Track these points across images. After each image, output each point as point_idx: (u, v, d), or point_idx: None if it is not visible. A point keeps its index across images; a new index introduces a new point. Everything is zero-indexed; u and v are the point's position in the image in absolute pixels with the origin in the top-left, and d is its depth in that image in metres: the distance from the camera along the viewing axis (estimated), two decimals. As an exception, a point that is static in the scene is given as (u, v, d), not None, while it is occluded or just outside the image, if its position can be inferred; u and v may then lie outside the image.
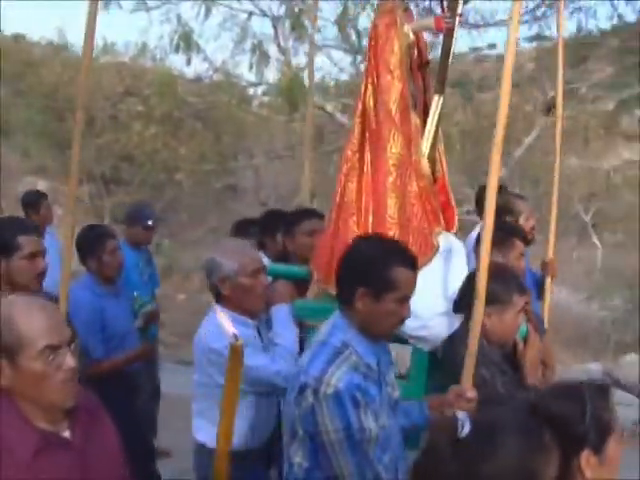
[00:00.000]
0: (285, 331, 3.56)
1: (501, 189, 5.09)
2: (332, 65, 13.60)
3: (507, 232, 4.31)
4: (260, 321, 3.60)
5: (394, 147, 3.96)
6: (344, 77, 14.29)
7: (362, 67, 13.12)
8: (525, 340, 3.92)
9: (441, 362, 3.65)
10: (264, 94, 15.39)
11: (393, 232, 3.89)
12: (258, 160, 16.29)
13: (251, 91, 14.87)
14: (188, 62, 12.82)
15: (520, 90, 13.75)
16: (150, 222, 6.33)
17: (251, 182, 17.88)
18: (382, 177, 4.00)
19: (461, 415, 1.93)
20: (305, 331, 3.70)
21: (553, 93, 11.93)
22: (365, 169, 4.04)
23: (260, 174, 17.43)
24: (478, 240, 4.14)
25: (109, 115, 15.46)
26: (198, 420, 3.54)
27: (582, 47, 12.36)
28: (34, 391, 2.20)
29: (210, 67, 13.29)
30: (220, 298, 3.45)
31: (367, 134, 4.03)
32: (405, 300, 2.77)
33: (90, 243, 4.75)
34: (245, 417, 3.37)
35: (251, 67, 12.80)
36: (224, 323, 2.41)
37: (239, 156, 17.11)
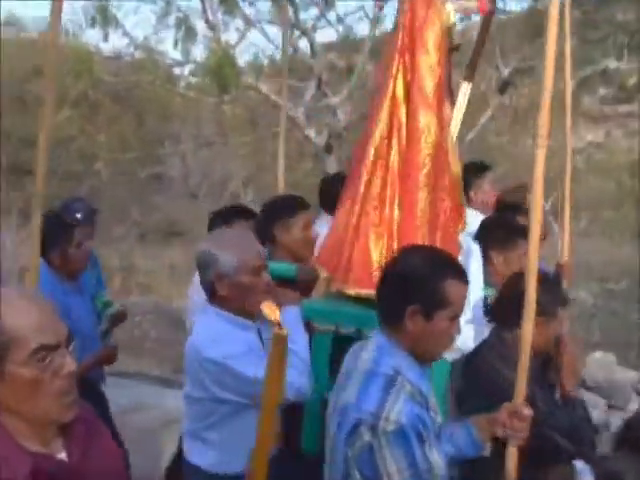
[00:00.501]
0: (296, 336, 3.23)
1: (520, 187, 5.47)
2: (267, 42, 13.48)
3: (509, 231, 4.38)
4: (261, 322, 3.22)
5: (429, 137, 3.82)
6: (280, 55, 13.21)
7: (300, 44, 12.87)
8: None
9: (463, 372, 3.56)
10: (191, 74, 14.51)
11: (423, 230, 3.79)
12: (186, 146, 15.42)
13: (177, 70, 13.91)
14: (105, 38, 11.99)
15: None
16: (79, 216, 5.56)
17: (178, 171, 17.06)
18: (414, 169, 3.83)
19: (580, 465, 2.11)
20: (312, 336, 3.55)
21: (508, 70, 11.74)
22: (391, 158, 3.85)
23: (188, 162, 16.63)
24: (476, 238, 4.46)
25: (15, 97, 14.39)
26: (191, 441, 3.27)
27: (539, 20, 11.81)
28: (24, 403, 1.93)
29: (130, 43, 12.44)
30: (215, 297, 3.16)
31: (394, 121, 3.83)
32: (457, 317, 2.65)
33: (54, 234, 4.26)
34: (245, 435, 2.90)
35: (176, 44, 12.06)
36: (267, 311, 2.30)
37: (165, 142, 16.25)
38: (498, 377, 3.13)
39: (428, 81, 3.81)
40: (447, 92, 3.99)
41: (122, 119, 15.11)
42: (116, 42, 13.17)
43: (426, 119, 3.79)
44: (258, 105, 13.24)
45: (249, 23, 12.23)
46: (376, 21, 11.53)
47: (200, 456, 3.22)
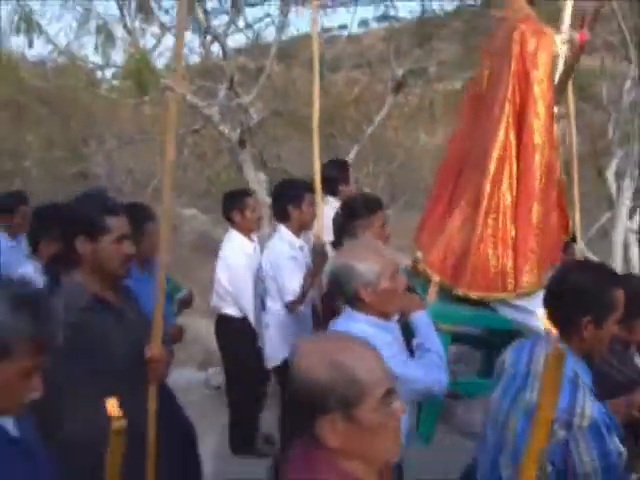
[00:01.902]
0: (432, 336, 3.46)
1: None
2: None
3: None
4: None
5: (542, 157, 4.04)
6: (195, 58, 13.95)
7: (213, 48, 13.19)
8: None
9: None
10: (112, 77, 14.70)
11: (539, 239, 4.07)
12: (109, 145, 15.53)
13: (99, 74, 14.13)
14: (30, 44, 11.94)
15: (371, 70, 14.23)
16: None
17: (103, 168, 17.08)
18: (530, 183, 4.06)
19: None
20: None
21: (402, 71, 12.34)
22: (504, 174, 4.07)
23: (112, 159, 16.69)
24: None
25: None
26: None
27: (428, 27, 12.61)
28: (369, 446, 1.91)
29: (54, 49, 12.48)
30: (356, 304, 3.29)
31: (507, 141, 4.09)
32: (620, 320, 2.89)
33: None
34: None
35: (97, 49, 12.12)
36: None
37: (90, 141, 16.39)
38: (616, 374, 3.29)
39: (541, 106, 4.06)
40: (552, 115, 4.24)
41: (48, 121, 15.12)
42: (41, 48, 13.22)
43: (540, 140, 4.07)
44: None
45: (164, 29, 12.45)
46: (281, 27, 12.00)
47: None
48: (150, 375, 3.37)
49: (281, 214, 5.46)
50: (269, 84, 12.72)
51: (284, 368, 4.92)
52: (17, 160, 14.84)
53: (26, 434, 2.15)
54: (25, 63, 13.01)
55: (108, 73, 14.09)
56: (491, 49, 4.42)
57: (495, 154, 4.13)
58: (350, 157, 12.18)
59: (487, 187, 4.15)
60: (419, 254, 4.63)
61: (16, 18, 11.78)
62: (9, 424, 2.08)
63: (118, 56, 13.37)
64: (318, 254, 5.14)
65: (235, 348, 6.29)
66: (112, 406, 2.28)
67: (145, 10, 12.13)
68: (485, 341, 5.18)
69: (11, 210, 6.68)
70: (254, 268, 5.82)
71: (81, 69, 13.08)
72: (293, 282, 5.23)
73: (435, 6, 12.43)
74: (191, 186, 15.59)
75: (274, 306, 5.44)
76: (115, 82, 14.81)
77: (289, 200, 5.41)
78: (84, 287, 3.27)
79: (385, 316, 3.31)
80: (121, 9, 12.24)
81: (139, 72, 11.72)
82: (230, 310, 6.29)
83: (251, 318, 5.93)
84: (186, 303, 5.57)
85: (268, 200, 10.71)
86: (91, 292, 3.28)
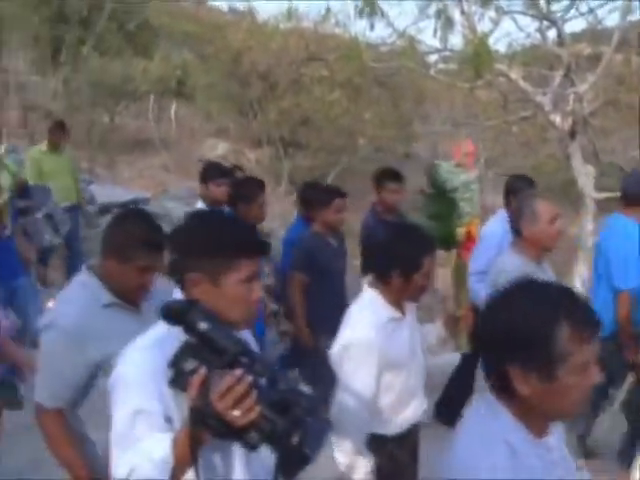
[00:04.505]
0: None
1: None
2: (518, 31, 13.30)
3: None
4: None
5: None
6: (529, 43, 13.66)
7: (549, 33, 13.09)
8: None
9: None
10: (445, 61, 14.89)
11: None
12: (436, 128, 16.08)
13: (433, 58, 14.43)
14: (371, 27, 12.33)
15: None
16: None
17: (428, 150, 17.40)
18: None
19: None
20: None
21: None
22: None
23: (436, 142, 16.97)
24: None
25: (291, 79, 15.61)
26: None
27: None
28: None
29: (393, 33, 12.90)
30: None
31: None
32: None
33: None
34: None
35: (435, 32, 11.90)
36: None
37: (415, 123, 16.79)
38: None
39: None
40: None
41: (381, 101, 15.70)
42: (380, 31, 13.74)
43: None
44: (511, 91, 13.43)
45: (501, 13, 12.25)
46: (626, 12, 11.39)
47: None
48: None
49: None
50: (605, 72, 12.07)
51: None
52: (351, 137, 15.43)
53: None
54: (364, 45, 13.27)
55: (441, 56, 14.27)
56: None
57: None
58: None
59: None
60: None
61: (360, 2, 12.22)
62: None
63: (454, 40, 13.51)
64: None
65: None
66: None
67: (482, -5, 11.88)
68: None
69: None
70: None
71: (417, 52, 13.24)
72: None
73: None
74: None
75: None
76: (441, 66, 15.06)
77: None
78: None
79: None
80: (459, -6, 12.16)
81: (477, 56, 11.49)
82: None
83: None
84: None
85: (595, 195, 10.57)
86: None
